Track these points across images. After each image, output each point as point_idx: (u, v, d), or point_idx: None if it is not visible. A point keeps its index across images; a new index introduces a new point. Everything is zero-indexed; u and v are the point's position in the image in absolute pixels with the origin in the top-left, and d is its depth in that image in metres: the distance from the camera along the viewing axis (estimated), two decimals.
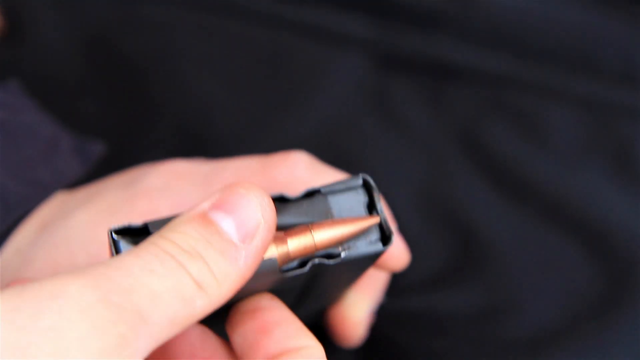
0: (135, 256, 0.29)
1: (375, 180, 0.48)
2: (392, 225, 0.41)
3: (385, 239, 0.33)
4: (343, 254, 0.33)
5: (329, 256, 0.33)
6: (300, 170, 0.40)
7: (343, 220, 0.33)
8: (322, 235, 0.33)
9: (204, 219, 0.30)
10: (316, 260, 0.32)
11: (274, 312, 0.33)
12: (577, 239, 0.49)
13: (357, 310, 0.43)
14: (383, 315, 0.47)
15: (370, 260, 0.35)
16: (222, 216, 0.30)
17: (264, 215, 0.30)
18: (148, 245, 0.29)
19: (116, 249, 0.32)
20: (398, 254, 0.41)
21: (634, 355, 0.47)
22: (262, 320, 0.33)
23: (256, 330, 0.32)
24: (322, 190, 0.34)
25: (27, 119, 0.46)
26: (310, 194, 0.34)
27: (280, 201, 0.33)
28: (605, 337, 0.47)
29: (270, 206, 0.31)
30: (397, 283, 0.49)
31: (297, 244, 0.33)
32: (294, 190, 0.39)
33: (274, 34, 0.54)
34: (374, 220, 0.33)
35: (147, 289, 0.28)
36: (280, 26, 0.54)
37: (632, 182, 0.50)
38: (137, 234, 0.32)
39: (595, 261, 0.49)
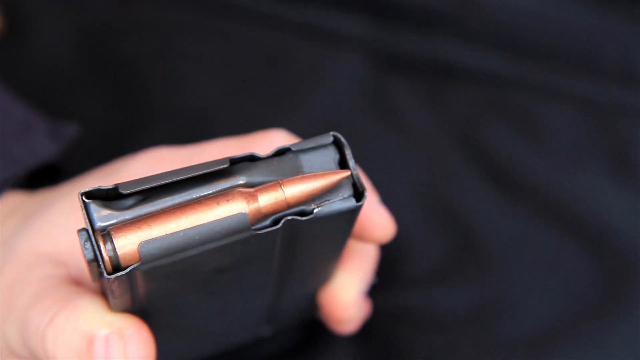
0: None
1: (374, 180, 0.48)
2: (367, 184, 0.40)
3: (359, 195, 0.33)
4: (316, 210, 0.32)
5: (302, 214, 0.33)
6: (279, 145, 0.40)
7: (313, 174, 0.33)
8: (292, 190, 0.32)
9: None
10: (289, 217, 0.32)
11: None
12: (576, 238, 0.49)
13: (348, 290, 0.42)
14: (382, 312, 0.47)
15: (346, 220, 0.34)
16: None
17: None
18: None
19: (87, 212, 0.32)
20: (383, 223, 0.41)
21: (633, 355, 0.47)
22: None
23: None
24: (293, 148, 0.33)
25: (0, 101, 0.46)
26: (281, 152, 0.33)
27: (250, 160, 0.33)
28: (605, 337, 0.47)
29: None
30: (397, 280, 0.49)
31: (267, 199, 0.32)
32: None
33: (273, 34, 0.54)
34: (345, 173, 0.33)
35: None
36: (280, 26, 0.54)
37: (631, 182, 0.50)
38: (108, 198, 0.32)
39: (595, 260, 0.49)
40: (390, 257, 0.48)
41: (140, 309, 0.36)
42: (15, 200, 0.44)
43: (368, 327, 0.46)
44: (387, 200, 0.48)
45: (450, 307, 0.48)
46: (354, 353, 0.47)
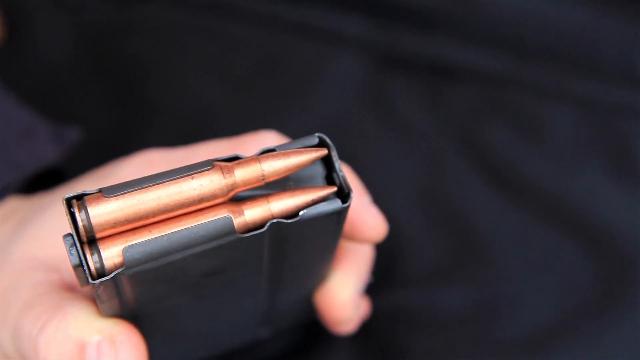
0: None
1: (374, 180, 0.48)
2: (356, 184, 0.40)
3: (344, 196, 0.33)
4: (301, 213, 0.32)
5: (288, 217, 0.33)
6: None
7: (301, 190, 0.33)
8: (280, 205, 0.32)
9: None
10: (274, 220, 0.32)
11: None
12: (576, 237, 0.49)
13: (343, 290, 0.42)
14: (382, 312, 0.47)
15: (334, 221, 0.34)
16: None
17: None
18: None
19: (72, 218, 0.32)
20: (374, 223, 0.41)
21: (632, 354, 0.47)
22: None
23: None
24: (278, 149, 0.33)
25: (2, 108, 0.46)
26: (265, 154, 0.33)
27: (235, 161, 0.33)
28: (604, 336, 0.47)
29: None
30: (396, 279, 0.49)
31: (254, 213, 0.32)
32: None
33: (273, 34, 0.54)
34: (332, 189, 0.33)
35: None
36: (280, 26, 0.54)
37: (630, 182, 0.50)
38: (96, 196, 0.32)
39: (594, 260, 0.49)
40: (389, 256, 0.48)
41: (131, 314, 0.36)
42: (12, 204, 0.44)
43: (367, 327, 0.46)
44: (387, 200, 0.49)
45: (449, 306, 0.48)
46: (354, 353, 0.47)
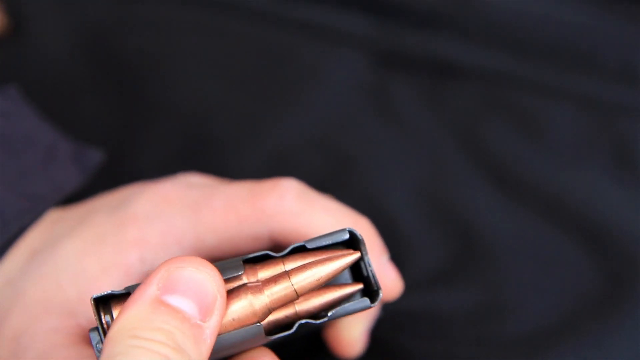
0: None
1: (374, 180, 0.48)
2: (375, 243, 0.40)
3: (373, 293, 0.33)
4: (330, 313, 0.33)
5: (316, 317, 0.33)
6: (289, 201, 0.40)
7: (328, 288, 0.33)
8: (306, 306, 0.33)
9: (167, 307, 0.31)
10: (302, 321, 0.32)
11: None
12: (576, 237, 0.49)
13: (353, 330, 0.43)
14: (382, 316, 0.47)
15: (357, 312, 0.34)
16: (182, 300, 0.31)
17: (218, 289, 0.32)
18: (132, 350, 0.30)
19: (99, 316, 0.32)
20: (391, 283, 0.41)
21: (633, 354, 0.47)
22: None
23: None
24: (308, 246, 0.33)
25: (25, 126, 0.45)
26: (297, 250, 0.33)
27: (266, 258, 0.33)
28: (605, 336, 0.47)
29: (220, 278, 0.32)
30: None
31: (278, 315, 0.33)
32: (283, 221, 0.39)
33: (273, 32, 0.54)
34: (359, 286, 0.33)
35: None
36: (280, 25, 0.54)
37: (631, 181, 0.50)
38: (120, 298, 0.33)
39: (595, 260, 0.49)
40: (390, 258, 0.49)
41: None
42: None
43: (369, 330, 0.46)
44: (387, 200, 0.49)
45: (451, 307, 0.48)
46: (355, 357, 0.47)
